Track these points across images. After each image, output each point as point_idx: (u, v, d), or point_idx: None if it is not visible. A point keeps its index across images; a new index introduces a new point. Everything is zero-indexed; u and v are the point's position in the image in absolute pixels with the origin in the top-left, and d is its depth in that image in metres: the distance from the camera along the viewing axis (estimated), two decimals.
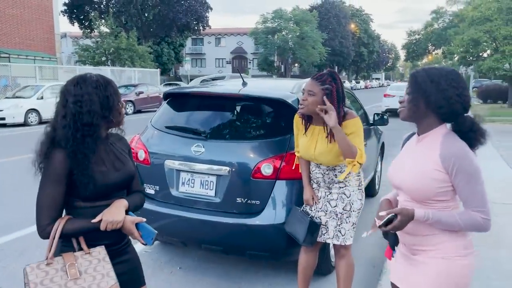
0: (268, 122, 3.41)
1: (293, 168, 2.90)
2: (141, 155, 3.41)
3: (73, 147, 1.61)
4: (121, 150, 1.84)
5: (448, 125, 1.70)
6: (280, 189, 3.02)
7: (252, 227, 3.02)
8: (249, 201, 3.05)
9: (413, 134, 1.85)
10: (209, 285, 3.41)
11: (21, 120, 14.30)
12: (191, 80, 26.87)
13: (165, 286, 3.40)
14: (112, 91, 1.70)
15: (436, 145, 1.63)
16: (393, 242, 1.83)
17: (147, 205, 3.22)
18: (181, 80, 39.46)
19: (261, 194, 3.03)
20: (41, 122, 14.90)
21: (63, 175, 1.61)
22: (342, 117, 2.49)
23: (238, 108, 3.48)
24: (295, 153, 2.84)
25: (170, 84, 30.34)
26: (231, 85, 3.83)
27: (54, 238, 1.58)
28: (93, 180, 1.64)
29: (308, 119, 2.64)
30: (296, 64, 53.22)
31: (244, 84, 3.56)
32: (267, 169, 3.01)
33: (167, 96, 3.66)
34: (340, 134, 2.39)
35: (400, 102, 1.73)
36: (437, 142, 1.64)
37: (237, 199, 3.06)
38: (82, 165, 1.62)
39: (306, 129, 2.66)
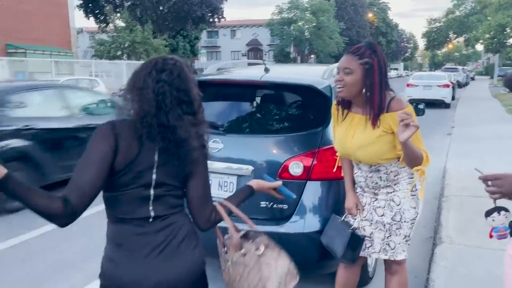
0: (296, 113, 2.95)
1: (333, 169, 2.42)
2: None
3: None
4: None
5: None
6: (312, 192, 2.58)
7: (279, 235, 2.58)
8: (275, 206, 2.61)
9: None
10: None
11: None
12: None
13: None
14: None
15: None
16: None
17: None
18: (196, 73, 39.07)
19: None
20: None
21: None
22: (387, 104, 2.01)
23: (260, 98, 3.04)
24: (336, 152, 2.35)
25: None
26: (251, 72, 3.38)
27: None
28: None
29: (346, 105, 2.16)
30: (312, 55, 52.34)
31: (267, 70, 3.12)
32: (296, 168, 2.57)
33: None
34: (410, 148, 1.89)
35: None
36: None
37: (261, 203, 2.63)
38: None
39: (343, 117, 2.18)
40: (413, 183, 2.19)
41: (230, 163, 2.70)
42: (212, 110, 3.06)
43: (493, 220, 1.55)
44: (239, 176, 2.70)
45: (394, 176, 2.14)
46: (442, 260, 3.24)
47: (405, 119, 1.77)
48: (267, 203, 2.62)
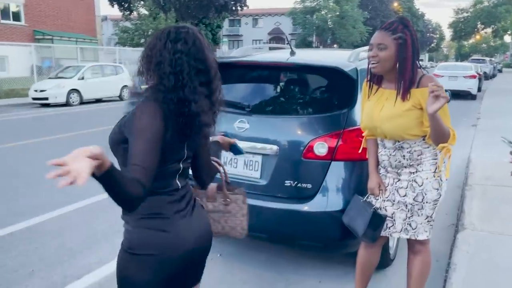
0: (321, 95, 2.99)
1: (358, 150, 2.43)
2: None
3: None
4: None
5: None
6: (336, 172, 2.62)
7: (302, 214, 2.65)
8: (299, 185, 2.67)
9: None
10: (252, 275, 3.09)
11: (63, 100, 14.47)
12: None
13: (204, 274, 3.10)
14: None
15: None
16: None
17: None
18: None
19: (314, 177, 2.64)
20: (82, 102, 15.06)
21: None
22: (418, 80, 2.03)
23: (286, 80, 3.08)
24: (362, 132, 2.37)
25: None
26: (277, 54, 3.42)
27: None
28: None
29: (377, 81, 2.18)
30: (335, 45, 51.68)
31: (293, 53, 3.15)
32: (320, 149, 2.62)
33: None
34: (437, 122, 1.90)
35: None
36: None
37: (286, 182, 2.69)
38: None
39: (372, 92, 2.20)
40: (436, 164, 2.18)
41: (256, 143, 2.76)
42: (239, 91, 3.12)
43: None
44: (264, 155, 2.76)
45: (418, 156, 2.15)
46: (464, 245, 3.25)
47: (435, 90, 1.79)
48: (291, 182, 2.68)
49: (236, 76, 3.24)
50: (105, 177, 1.06)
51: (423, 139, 2.12)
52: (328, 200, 2.63)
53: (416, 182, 2.18)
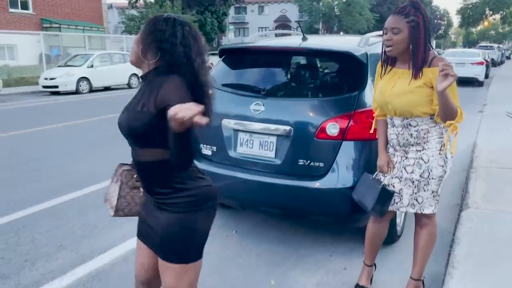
0: (333, 78, 3.15)
1: (369, 130, 2.59)
2: None
3: None
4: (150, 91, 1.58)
5: None
6: (347, 151, 2.79)
7: (315, 190, 2.83)
8: (312, 163, 2.84)
9: None
10: (266, 251, 3.28)
11: (73, 88, 14.68)
12: None
13: (221, 249, 3.32)
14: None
15: None
16: None
17: (204, 166, 3.10)
18: None
19: (326, 156, 2.81)
20: (91, 90, 15.26)
21: None
22: (429, 60, 2.17)
23: (299, 64, 3.23)
24: (373, 113, 2.52)
25: (213, 54, 30.15)
26: (290, 40, 3.57)
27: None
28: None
29: (390, 62, 2.33)
30: (341, 32, 51.36)
31: (304, 38, 3.30)
32: (332, 129, 2.78)
33: (222, 52, 3.46)
34: (446, 99, 2.04)
35: None
36: None
37: (299, 160, 2.87)
38: None
39: (386, 72, 2.35)
40: (442, 143, 2.33)
41: (271, 124, 2.93)
42: (254, 75, 3.29)
43: None
44: (278, 136, 2.93)
45: (424, 134, 2.30)
46: (468, 222, 3.41)
47: (445, 69, 1.93)
48: (304, 161, 2.86)
49: (252, 61, 3.40)
50: (185, 133, 1.35)
51: (431, 118, 2.26)
52: (338, 177, 2.80)
53: (423, 160, 2.33)
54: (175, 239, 1.64)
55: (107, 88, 16.30)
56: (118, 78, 16.45)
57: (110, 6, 46.84)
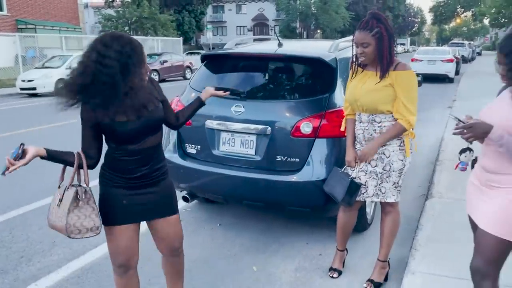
0: (306, 81, 3.43)
1: (338, 128, 2.91)
2: None
3: (94, 103, 1.86)
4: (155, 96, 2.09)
5: None
6: (319, 147, 3.08)
7: (292, 183, 3.11)
8: (289, 159, 3.13)
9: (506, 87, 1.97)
10: (248, 240, 3.56)
11: (51, 89, 14.53)
12: (212, 49, 26.77)
13: (206, 241, 3.57)
14: (135, 60, 1.85)
15: None
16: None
17: (189, 164, 3.35)
18: (202, 49, 39.28)
19: (301, 152, 3.10)
20: None
21: (87, 122, 1.95)
22: (395, 65, 2.50)
23: (275, 69, 3.51)
24: (344, 112, 2.83)
25: (192, 53, 30.24)
26: (267, 46, 3.85)
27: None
28: (113, 129, 1.91)
29: (363, 66, 2.64)
30: (318, 31, 52.01)
31: (280, 44, 3.58)
32: (306, 128, 3.07)
33: (204, 58, 3.71)
34: (382, 141, 2.60)
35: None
36: None
37: (277, 157, 3.14)
38: (102, 117, 1.88)
39: (357, 74, 2.66)
40: (402, 139, 2.64)
41: (251, 124, 3.20)
42: (234, 79, 3.55)
43: (465, 156, 2.06)
44: (257, 135, 3.20)
45: (386, 131, 2.62)
46: (431, 210, 3.76)
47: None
48: (282, 157, 3.14)
49: (232, 66, 3.66)
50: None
51: (392, 116, 2.58)
52: (313, 171, 3.09)
53: (384, 154, 2.64)
54: (174, 194, 2.20)
55: None
56: None
57: (86, 6, 46.17)
